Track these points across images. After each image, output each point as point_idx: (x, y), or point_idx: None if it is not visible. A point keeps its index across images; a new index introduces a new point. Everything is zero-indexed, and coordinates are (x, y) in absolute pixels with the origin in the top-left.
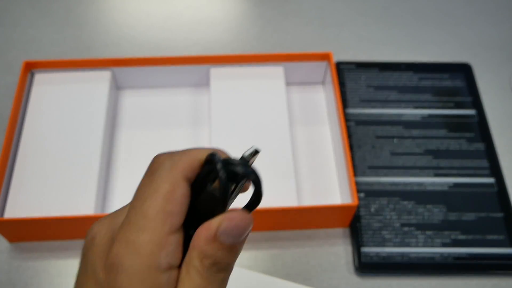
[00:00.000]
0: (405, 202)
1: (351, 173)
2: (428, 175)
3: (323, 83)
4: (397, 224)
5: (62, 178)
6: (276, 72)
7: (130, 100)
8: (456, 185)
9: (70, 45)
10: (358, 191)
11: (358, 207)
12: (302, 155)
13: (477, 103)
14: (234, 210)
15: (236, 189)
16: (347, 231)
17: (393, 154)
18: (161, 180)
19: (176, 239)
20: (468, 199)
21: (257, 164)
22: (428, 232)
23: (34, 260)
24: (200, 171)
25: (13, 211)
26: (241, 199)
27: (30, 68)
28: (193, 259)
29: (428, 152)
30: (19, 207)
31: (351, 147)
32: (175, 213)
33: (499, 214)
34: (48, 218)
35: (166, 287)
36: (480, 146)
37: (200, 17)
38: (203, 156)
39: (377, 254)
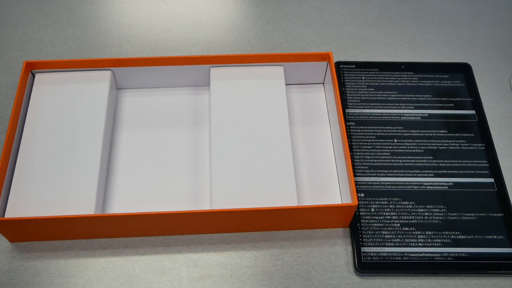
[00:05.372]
0: (405, 202)
1: (351, 173)
2: (428, 175)
3: (323, 83)
4: (397, 224)
5: (62, 178)
6: (276, 72)
7: (130, 100)
8: (456, 185)
9: (70, 45)
10: (358, 191)
11: (358, 207)
12: (302, 155)
13: (476, 104)
14: None
15: None
16: (347, 231)
17: (393, 154)
18: None
19: None
20: (468, 199)
21: (258, 165)
22: (428, 232)
23: (35, 260)
24: None
25: (13, 211)
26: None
27: (31, 69)
28: None
29: (428, 152)
30: (20, 207)
31: (351, 147)
32: None
33: (499, 214)
34: (48, 218)
35: None
36: (480, 146)
37: (200, 17)
38: None
39: (377, 254)
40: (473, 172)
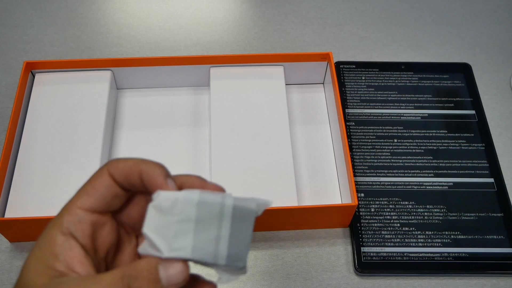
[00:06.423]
0: (405, 202)
1: (351, 173)
2: (428, 175)
3: (323, 83)
4: (397, 224)
5: (62, 178)
6: (276, 72)
7: (130, 100)
8: (456, 185)
9: (70, 45)
10: (358, 191)
11: (358, 207)
12: (302, 155)
13: (476, 103)
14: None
15: None
16: (347, 231)
17: (393, 154)
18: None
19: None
20: (468, 199)
21: (258, 165)
22: (428, 232)
23: None
24: None
25: (13, 211)
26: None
27: (31, 69)
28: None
29: (428, 152)
30: (20, 207)
31: (351, 147)
32: (89, 194)
33: (499, 214)
34: (48, 218)
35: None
36: (480, 146)
37: (200, 17)
38: (139, 166)
39: (377, 254)
40: (473, 172)
